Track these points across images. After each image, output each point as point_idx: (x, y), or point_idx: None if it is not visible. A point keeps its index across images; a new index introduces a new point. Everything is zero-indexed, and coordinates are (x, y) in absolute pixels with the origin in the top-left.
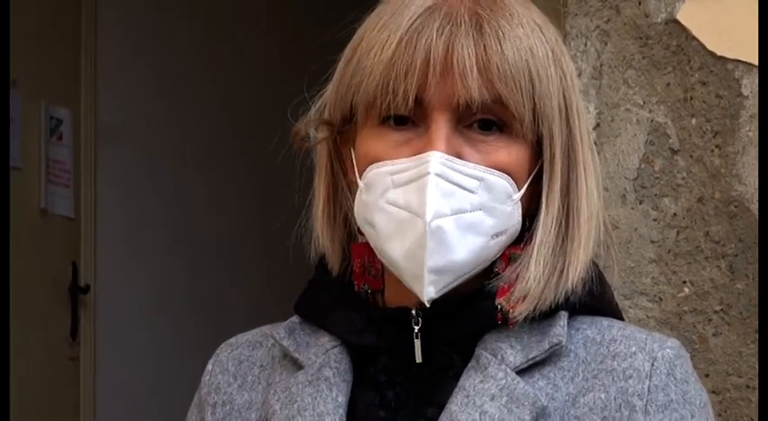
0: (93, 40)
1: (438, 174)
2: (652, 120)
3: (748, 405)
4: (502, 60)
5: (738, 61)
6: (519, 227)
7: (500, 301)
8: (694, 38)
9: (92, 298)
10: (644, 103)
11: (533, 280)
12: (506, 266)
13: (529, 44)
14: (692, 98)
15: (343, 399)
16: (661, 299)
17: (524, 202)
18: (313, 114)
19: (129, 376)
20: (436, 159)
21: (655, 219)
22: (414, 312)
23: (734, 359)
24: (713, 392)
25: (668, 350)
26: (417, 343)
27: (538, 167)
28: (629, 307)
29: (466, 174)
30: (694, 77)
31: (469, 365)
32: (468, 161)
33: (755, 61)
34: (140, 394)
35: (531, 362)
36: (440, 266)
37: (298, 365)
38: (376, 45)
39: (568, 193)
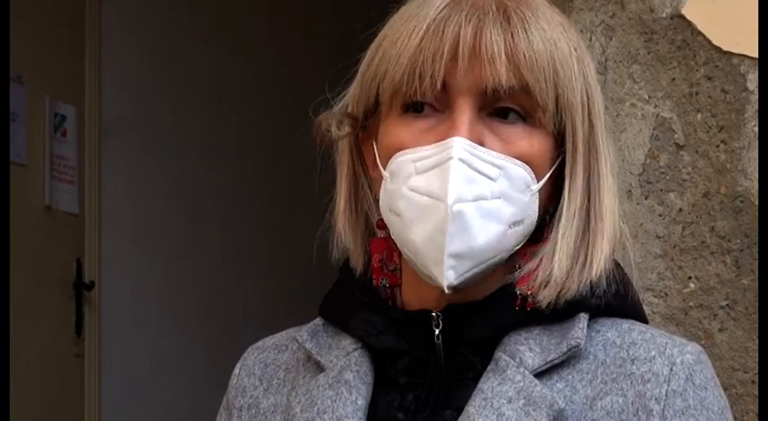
0: (98, 36)
1: (461, 160)
2: (657, 116)
3: (754, 400)
4: (528, 48)
5: (744, 56)
6: (536, 218)
7: (521, 288)
8: (700, 33)
9: (96, 294)
10: (649, 97)
11: (557, 267)
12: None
13: (553, 37)
14: (697, 93)
15: (362, 402)
16: (667, 294)
17: (544, 196)
18: (337, 110)
19: (134, 372)
20: (460, 144)
21: (660, 215)
22: (434, 314)
23: (740, 354)
24: None
25: (688, 355)
26: (438, 345)
27: (560, 160)
28: None
29: (488, 162)
30: (700, 72)
31: (488, 368)
32: (492, 148)
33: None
34: (144, 390)
35: (549, 365)
36: (460, 251)
37: (320, 368)
38: (402, 34)
39: (589, 187)
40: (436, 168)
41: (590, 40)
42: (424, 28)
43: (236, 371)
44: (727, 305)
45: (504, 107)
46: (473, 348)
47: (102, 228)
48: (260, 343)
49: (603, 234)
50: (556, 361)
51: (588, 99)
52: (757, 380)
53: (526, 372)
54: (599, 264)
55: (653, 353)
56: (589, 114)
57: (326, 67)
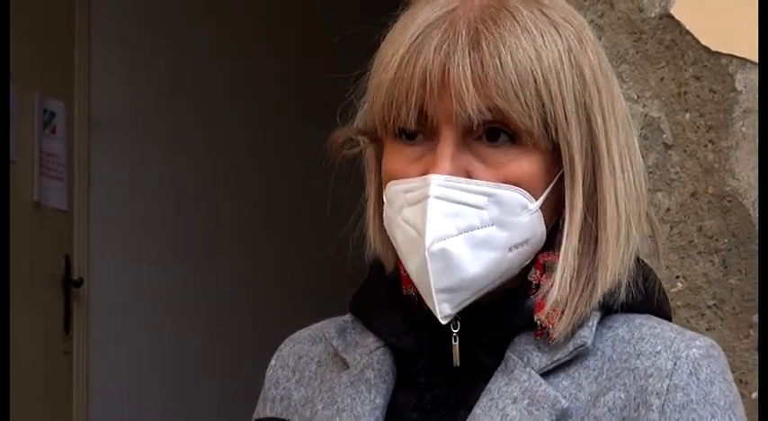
0: (87, 33)
1: (438, 197)
2: (646, 115)
3: (741, 400)
4: (500, 75)
5: (732, 56)
6: (543, 235)
7: (539, 316)
8: (688, 32)
9: (85, 291)
10: (638, 97)
11: (558, 290)
12: (542, 274)
13: (535, 51)
14: (685, 93)
15: (381, 401)
16: None
17: (550, 209)
18: (353, 126)
19: (122, 369)
20: (436, 182)
21: None
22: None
23: (727, 354)
24: None
25: (695, 349)
26: (455, 346)
27: (559, 174)
28: None
29: (472, 192)
30: (688, 72)
31: (498, 368)
32: (478, 176)
33: (749, 56)
34: (133, 388)
35: (556, 364)
36: (451, 286)
37: (345, 365)
38: (383, 62)
39: (594, 196)
40: (419, 204)
41: None
42: (398, 58)
43: (272, 362)
44: (715, 304)
45: (492, 129)
46: (487, 350)
47: (91, 225)
48: (296, 334)
49: (610, 245)
50: (562, 360)
51: (585, 101)
52: (745, 380)
53: (532, 372)
54: (606, 278)
55: (659, 347)
56: (588, 119)
57: (322, 66)
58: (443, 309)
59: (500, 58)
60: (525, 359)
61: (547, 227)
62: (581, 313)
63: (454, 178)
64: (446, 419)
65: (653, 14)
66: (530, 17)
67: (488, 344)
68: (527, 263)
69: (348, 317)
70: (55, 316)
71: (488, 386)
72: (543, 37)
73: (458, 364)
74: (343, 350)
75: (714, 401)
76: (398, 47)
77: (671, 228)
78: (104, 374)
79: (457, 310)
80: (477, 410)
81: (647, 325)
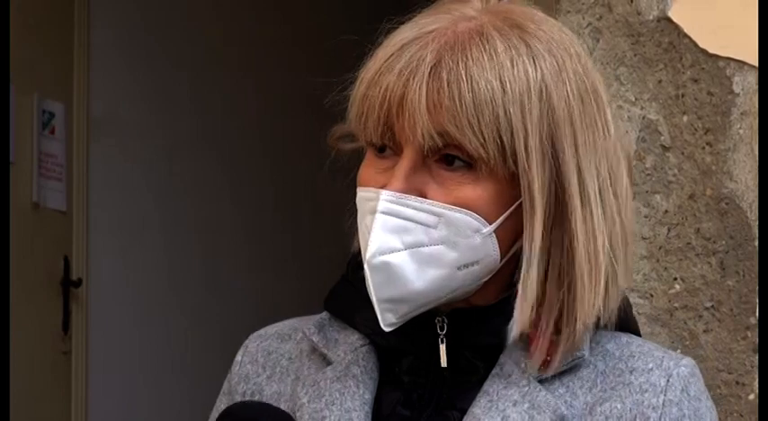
0: (86, 34)
1: (384, 212)
2: (644, 117)
3: (738, 401)
4: (455, 104)
5: (730, 59)
6: (497, 256)
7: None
8: (686, 35)
9: (84, 291)
10: (636, 99)
11: (519, 316)
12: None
13: (500, 81)
14: (683, 95)
15: (369, 397)
16: (652, 295)
17: (512, 233)
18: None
19: (121, 370)
20: (384, 198)
21: (646, 216)
22: (439, 318)
23: (724, 355)
24: None
25: (683, 368)
26: (442, 347)
27: (518, 202)
28: None
29: (423, 211)
30: (686, 75)
31: (493, 372)
32: (431, 197)
33: (747, 59)
34: (132, 388)
35: (553, 373)
36: (394, 297)
37: (326, 361)
38: (361, 75)
39: (561, 227)
40: (371, 216)
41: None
42: (370, 75)
43: (239, 358)
44: (712, 306)
45: (448, 153)
46: (477, 352)
47: (90, 226)
48: (262, 331)
49: (584, 274)
50: (559, 369)
51: (554, 133)
52: (741, 382)
53: (531, 378)
54: (589, 309)
55: (650, 365)
56: (554, 151)
57: (319, 66)
58: (387, 318)
59: (458, 87)
60: (522, 365)
61: (507, 251)
62: (557, 346)
63: (405, 196)
64: (437, 418)
65: (651, 17)
66: (503, 46)
67: (478, 347)
68: (484, 280)
69: (325, 315)
70: (54, 316)
71: (485, 388)
72: (514, 67)
73: (445, 365)
74: (324, 346)
75: (702, 416)
76: (375, 62)
77: (669, 230)
78: (103, 374)
79: (402, 321)
80: (476, 410)
81: (635, 343)
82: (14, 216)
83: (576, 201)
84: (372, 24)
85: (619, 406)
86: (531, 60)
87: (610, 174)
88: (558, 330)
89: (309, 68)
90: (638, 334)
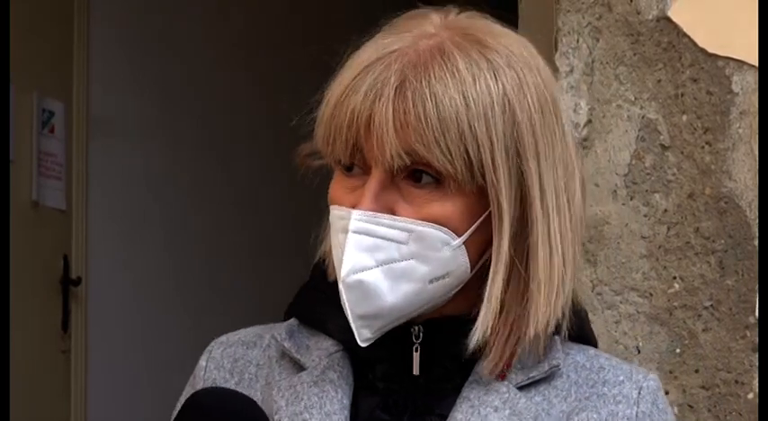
0: (86, 32)
1: (356, 231)
2: (643, 117)
3: (737, 400)
4: (421, 123)
5: (729, 58)
6: (467, 268)
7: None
8: (685, 35)
9: (83, 290)
10: (635, 99)
11: (480, 326)
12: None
13: (463, 97)
14: (682, 95)
15: (347, 402)
16: (651, 294)
17: (480, 244)
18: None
19: (120, 368)
20: (355, 217)
21: (645, 215)
22: (415, 327)
23: (723, 354)
24: (702, 388)
25: (651, 381)
26: (416, 356)
27: (486, 214)
28: (620, 302)
29: (394, 227)
30: (685, 74)
31: (471, 379)
32: (401, 214)
33: (746, 58)
34: (131, 386)
35: (530, 381)
36: (369, 313)
37: (298, 366)
38: (327, 96)
39: (525, 238)
40: (343, 234)
41: (577, 41)
42: (336, 96)
43: (203, 363)
44: (711, 305)
45: (416, 170)
46: (452, 360)
47: (90, 224)
48: (223, 338)
49: (542, 284)
50: (537, 377)
51: (518, 146)
52: (741, 381)
53: (510, 385)
54: (542, 317)
55: (621, 377)
56: (518, 164)
57: (318, 66)
58: (363, 334)
59: (423, 106)
60: (500, 372)
61: (476, 261)
62: (510, 352)
63: (376, 214)
64: None
65: (650, 17)
66: (464, 62)
67: (453, 355)
68: (454, 291)
69: (294, 321)
70: (53, 315)
71: (465, 394)
72: (476, 83)
73: (417, 373)
74: (296, 351)
75: None
76: (340, 82)
77: (668, 229)
78: (102, 373)
79: (378, 335)
80: (458, 415)
81: (603, 356)
82: (14, 215)
83: (538, 213)
84: (372, 25)
85: (595, 416)
86: (493, 75)
87: (566, 185)
88: (514, 336)
89: (312, 67)
90: (596, 347)
